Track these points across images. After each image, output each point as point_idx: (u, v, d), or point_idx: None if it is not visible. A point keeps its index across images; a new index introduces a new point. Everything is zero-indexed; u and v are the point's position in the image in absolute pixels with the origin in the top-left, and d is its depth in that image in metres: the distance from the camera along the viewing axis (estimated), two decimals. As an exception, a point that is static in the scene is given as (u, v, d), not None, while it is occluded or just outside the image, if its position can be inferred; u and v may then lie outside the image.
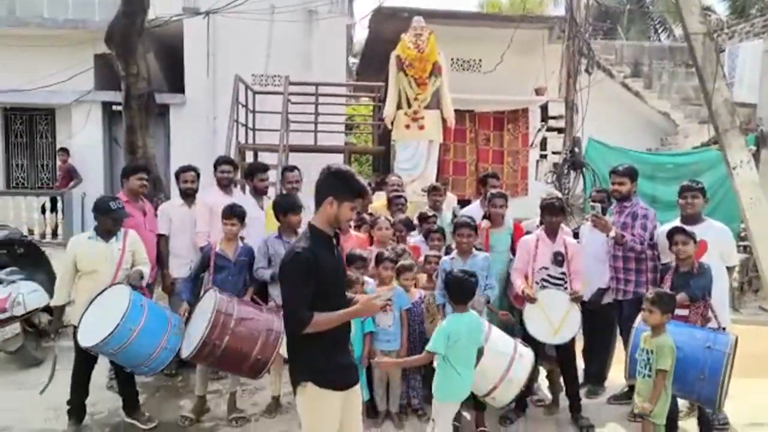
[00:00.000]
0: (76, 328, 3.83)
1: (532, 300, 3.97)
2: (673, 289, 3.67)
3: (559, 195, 5.12)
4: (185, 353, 3.72)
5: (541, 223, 4.31)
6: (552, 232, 4.16)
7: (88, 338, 3.66)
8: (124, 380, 4.12)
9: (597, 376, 4.66)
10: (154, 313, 3.77)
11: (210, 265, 4.05)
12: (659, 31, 19.94)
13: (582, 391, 4.59)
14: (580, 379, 4.43)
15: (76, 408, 4.04)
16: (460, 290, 3.33)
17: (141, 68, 6.59)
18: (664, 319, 3.23)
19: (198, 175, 4.98)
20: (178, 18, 8.82)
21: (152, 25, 7.70)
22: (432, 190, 5.44)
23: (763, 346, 5.43)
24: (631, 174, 4.53)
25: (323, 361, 2.55)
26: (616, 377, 4.60)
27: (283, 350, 3.88)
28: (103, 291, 3.77)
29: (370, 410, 4.05)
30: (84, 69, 9.10)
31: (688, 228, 3.92)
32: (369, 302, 2.60)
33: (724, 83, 5.98)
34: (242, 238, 4.24)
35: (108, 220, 3.93)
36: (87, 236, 3.97)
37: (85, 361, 3.95)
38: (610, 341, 4.59)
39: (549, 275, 4.12)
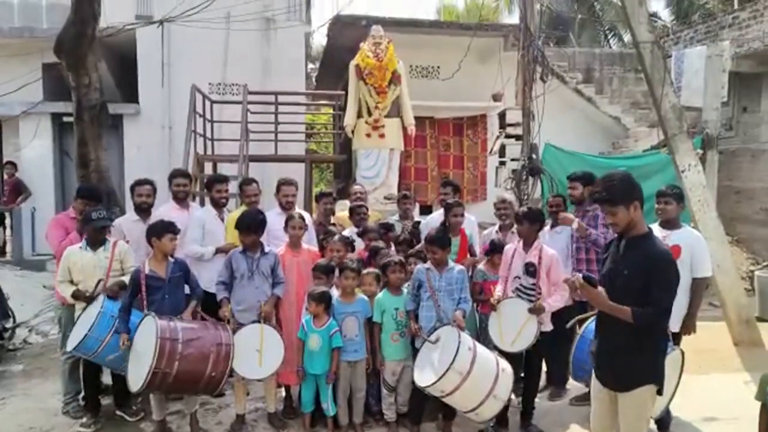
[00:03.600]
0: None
1: (494, 308, 4.02)
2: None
3: (511, 199, 5.20)
4: (135, 387, 3.59)
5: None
6: (526, 242, 4.15)
7: (71, 343, 3.92)
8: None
9: (559, 377, 4.75)
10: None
11: (141, 288, 3.85)
12: (609, 37, 20.60)
13: (544, 394, 4.71)
14: (543, 382, 4.53)
15: (91, 402, 4.27)
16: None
17: (92, 78, 6.38)
18: None
19: (154, 189, 4.85)
20: (131, 27, 8.60)
21: (104, 34, 7.48)
22: (402, 198, 5.51)
23: (714, 341, 5.66)
24: (584, 179, 4.72)
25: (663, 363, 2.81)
26: (578, 379, 4.69)
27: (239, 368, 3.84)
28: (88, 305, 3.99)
29: (335, 424, 4.04)
30: (32, 80, 8.74)
31: (664, 231, 4.06)
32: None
33: (672, 89, 6.24)
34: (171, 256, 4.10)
35: (89, 230, 4.09)
36: (79, 246, 4.14)
37: (86, 360, 4.13)
38: (571, 342, 4.69)
39: (521, 285, 4.13)
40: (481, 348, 3.71)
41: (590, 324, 3.74)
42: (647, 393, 2.77)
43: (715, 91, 9.20)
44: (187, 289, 4.11)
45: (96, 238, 4.11)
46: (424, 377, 3.65)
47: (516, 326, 3.95)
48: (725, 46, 9.37)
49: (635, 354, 2.73)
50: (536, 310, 3.93)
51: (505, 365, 3.71)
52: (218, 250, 4.57)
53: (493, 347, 4.04)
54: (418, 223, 5.22)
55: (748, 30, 11.04)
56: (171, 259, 3.99)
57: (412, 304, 4.01)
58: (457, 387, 3.50)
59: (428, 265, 4.01)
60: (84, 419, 4.17)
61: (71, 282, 4.09)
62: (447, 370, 3.46)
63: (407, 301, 4.07)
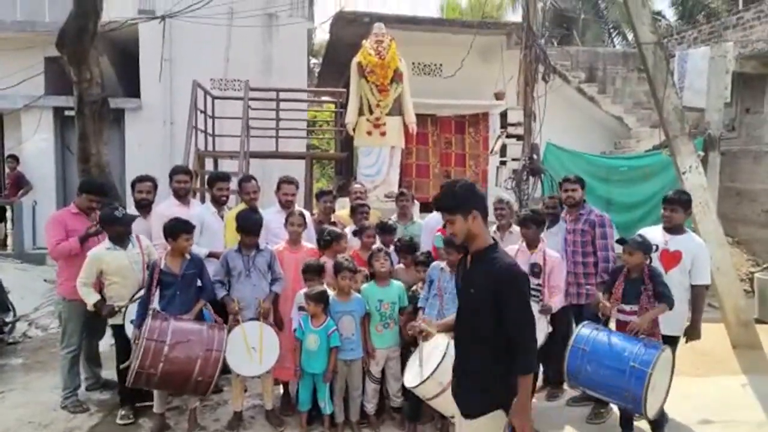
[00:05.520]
0: (119, 327, 4.11)
1: None
2: (625, 295, 3.79)
3: (509, 199, 5.19)
4: (127, 380, 3.66)
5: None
6: (531, 244, 4.17)
7: None
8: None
9: (556, 378, 4.76)
10: None
11: (153, 283, 3.88)
12: (613, 36, 20.53)
13: (541, 394, 4.72)
14: (539, 383, 4.54)
15: (128, 397, 4.22)
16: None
17: (94, 73, 6.38)
18: None
19: (155, 186, 4.85)
20: (133, 22, 8.60)
21: (106, 28, 7.48)
22: (399, 196, 5.45)
23: (713, 343, 5.64)
24: (581, 181, 4.74)
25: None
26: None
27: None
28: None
29: (331, 422, 4.06)
30: (34, 73, 8.75)
31: (667, 235, 4.07)
32: None
33: (674, 91, 6.21)
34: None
35: (116, 228, 4.12)
36: (105, 247, 4.13)
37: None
38: (567, 344, 4.70)
39: None
40: None
41: (579, 333, 3.77)
42: (493, 422, 2.47)
43: (718, 92, 9.17)
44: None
45: (123, 235, 4.14)
46: (408, 378, 3.69)
47: None
48: (729, 47, 9.34)
49: (487, 376, 2.47)
50: (546, 311, 3.95)
51: None
52: (210, 255, 4.53)
53: None
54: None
55: (752, 31, 11.00)
56: (187, 257, 4.01)
57: (423, 302, 4.03)
58: (437, 395, 3.51)
59: (443, 264, 4.02)
60: (122, 411, 4.18)
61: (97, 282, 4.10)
62: (427, 378, 3.46)
63: (402, 295, 4.11)
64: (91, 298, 4.06)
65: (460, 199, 2.47)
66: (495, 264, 2.42)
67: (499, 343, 2.41)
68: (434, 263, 4.12)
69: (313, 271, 4.09)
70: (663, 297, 3.68)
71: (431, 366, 3.52)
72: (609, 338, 3.68)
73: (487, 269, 2.43)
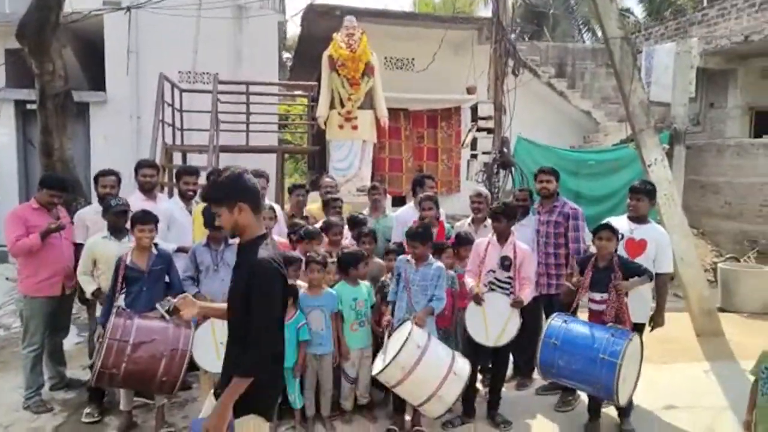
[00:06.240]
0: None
1: (479, 301, 4.02)
2: (593, 284, 3.87)
3: (486, 193, 5.22)
4: (90, 380, 3.61)
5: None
6: (501, 237, 4.19)
7: None
8: None
9: (525, 368, 4.82)
10: None
11: (118, 279, 3.79)
12: (583, 32, 20.82)
13: (511, 384, 4.78)
14: (509, 372, 4.60)
15: (97, 395, 4.19)
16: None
17: (57, 65, 6.22)
18: None
19: (119, 180, 4.73)
20: (98, 13, 8.38)
21: (69, 19, 7.27)
22: (371, 190, 5.44)
23: (677, 332, 5.79)
24: (556, 173, 4.77)
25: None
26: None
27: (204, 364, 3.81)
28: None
29: (302, 416, 4.03)
30: (-7, 65, 8.51)
31: (632, 224, 4.17)
32: None
33: (640, 85, 6.33)
34: (156, 244, 4.02)
35: (111, 217, 4.09)
36: (102, 236, 4.12)
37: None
38: (537, 334, 4.75)
39: (496, 278, 4.16)
40: (436, 348, 3.64)
41: (550, 326, 3.83)
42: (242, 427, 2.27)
43: (683, 87, 9.40)
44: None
45: (117, 225, 4.10)
46: (375, 366, 3.69)
47: (501, 321, 3.98)
48: (694, 43, 9.57)
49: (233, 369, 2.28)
50: (518, 304, 3.99)
51: (459, 369, 3.62)
52: (179, 249, 4.45)
53: (471, 343, 4.06)
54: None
55: (716, 27, 11.30)
56: (154, 251, 3.93)
57: (393, 296, 4.02)
58: (400, 381, 3.52)
59: (409, 257, 4.01)
60: (88, 409, 4.12)
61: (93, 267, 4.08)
62: (389, 363, 3.48)
63: (370, 293, 4.11)
64: (89, 287, 4.04)
65: (223, 191, 2.35)
66: (253, 256, 2.29)
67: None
68: (401, 256, 4.11)
69: (288, 264, 4.04)
70: (643, 272, 3.81)
71: (393, 351, 3.53)
72: (579, 330, 3.74)
73: (245, 260, 2.34)
